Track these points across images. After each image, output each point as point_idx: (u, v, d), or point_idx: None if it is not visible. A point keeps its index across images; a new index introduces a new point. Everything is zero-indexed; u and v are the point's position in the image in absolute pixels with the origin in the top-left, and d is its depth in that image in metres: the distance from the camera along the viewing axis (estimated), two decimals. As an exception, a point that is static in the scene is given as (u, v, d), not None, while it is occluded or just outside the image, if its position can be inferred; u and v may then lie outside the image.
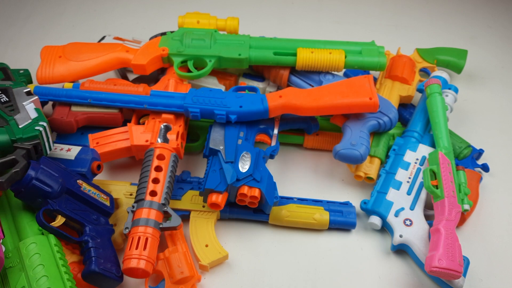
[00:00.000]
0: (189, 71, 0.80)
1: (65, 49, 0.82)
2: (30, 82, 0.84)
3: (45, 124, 0.66)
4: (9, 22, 1.05)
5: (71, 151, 0.70)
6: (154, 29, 0.85)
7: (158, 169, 0.66)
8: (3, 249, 0.56)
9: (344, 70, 0.84)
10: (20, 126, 0.65)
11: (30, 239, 0.58)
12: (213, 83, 0.84)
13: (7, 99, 0.70)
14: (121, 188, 0.72)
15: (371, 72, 0.87)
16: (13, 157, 0.60)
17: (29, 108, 0.69)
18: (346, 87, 0.73)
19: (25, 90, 0.72)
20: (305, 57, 0.79)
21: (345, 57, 0.80)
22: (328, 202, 0.73)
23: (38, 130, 0.65)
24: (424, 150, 0.76)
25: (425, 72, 0.94)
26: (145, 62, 0.79)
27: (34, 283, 0.54)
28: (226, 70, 0.87)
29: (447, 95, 0.83)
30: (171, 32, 0.84)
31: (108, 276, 0.59)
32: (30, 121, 0.66)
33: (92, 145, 0.72)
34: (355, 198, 0.75)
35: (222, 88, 0.83)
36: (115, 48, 0.82)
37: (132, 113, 0.77)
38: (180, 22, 0.86)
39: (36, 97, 0.72)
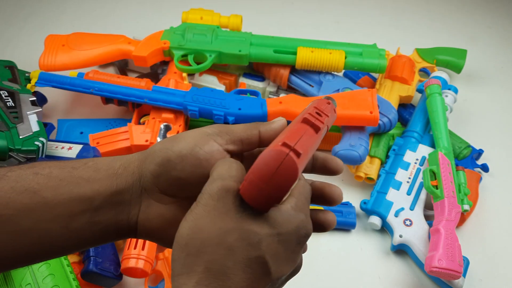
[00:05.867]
0: (190, 65, 0.80)
1: (68, 38, 0.83)
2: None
3: (44, 140, 0.66)
4: (9, 22, 1.05)
5: (72, 150, 0.70)
6: (154, 29, 0.85)
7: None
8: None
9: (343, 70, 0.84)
10: (20, 137, 0.65)
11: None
12: (213, 83, 0.84)
13: (13, 105, 0.69)
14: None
15: (370, 74, 0.87)
16: (5, 165, 0.60)
17: (32, 119, 0.69)
18: (348, 99, 0.73)
19: (30, 99, 0.72)
20: (305, 56, 0.79)
21: (345, 57, 0.80)
22: (328, 202, 0.73)
23: (37, 145, 0.65)
24: (424, 150, 0.76)
25: (424, 72, 0.94)
26: (146, 54, 0.80)
27: (40, 281, 0.55)
28: (227, 69, 0.87)
29: (446, 96, 0.83)
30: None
31: (106, 276, 0.59)
32: (31, 133, 0.66)
33: (92, 145, 0.72)
34: (355, 198, 0.75)
35: (223, 87, 0.83)
36: (118, 39, 0.83)
37: (132, 112, 0.78)
38: (184, 18, 0.87)
39: (40, 109, 0.72)
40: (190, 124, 0.80)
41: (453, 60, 0.93)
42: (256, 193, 0.29)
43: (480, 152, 0.81)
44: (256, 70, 0.87)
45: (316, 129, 0.34)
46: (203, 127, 0.37)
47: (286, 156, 0.28)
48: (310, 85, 0.81)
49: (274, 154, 0.28)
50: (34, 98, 0.74)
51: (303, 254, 0.36)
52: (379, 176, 0.75)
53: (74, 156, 0.69)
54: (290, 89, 0.85)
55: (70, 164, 0.36)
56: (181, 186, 0.35)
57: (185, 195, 0.36)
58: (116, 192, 0.35)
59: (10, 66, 0.81)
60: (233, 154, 0.37)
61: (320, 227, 0.37)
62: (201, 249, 0.29)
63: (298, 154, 0.29)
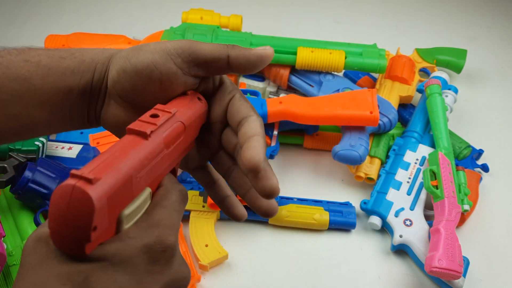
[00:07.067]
0: None
1: (69, 38, 0.83)
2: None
3: (44, 140, 0.66)
4: (9, 22, 1.05)
5: (72, 150, 0.70)
6: (154, 29, 0.85)
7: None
8: (5, 246, 0.56)
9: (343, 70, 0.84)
10: None
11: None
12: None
13: None
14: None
15: (370, 74, 0.87)
16: (5, 165, 0.60)
17: None
18: (348, 99, 0.74)
19: None
20: (305, 56, 0.79)
21: (345, 57, 0.80)
22: (328, 202, 0.73)
23: (37, 145, 0.65)
24: (424, 150, 0.76)
25: (424, 72, 0.94)
26: None
27: None
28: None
29: (446, 96, 0.83)
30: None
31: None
32: None
33: (92, 145, 0.72)
34: (355, 198, 0.75)
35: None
36: (118, 39, 0.83)
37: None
38: (184, 18, 0.87)
39: None
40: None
41: (453, 60, 0.93)
42: (60, 240, 0.25)
43: (480, 152, 0.81)
44: (256, 70, 0.87)
45: (142, 135, 0.29)
46: (168, 42, 0.35)
47: (72, 188, 0.24)
48: (310, 85, 0.81)
49: (60, 191, 0.24)
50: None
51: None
52: (379, 176, 0.75)
53: (74, 156, 0.69)
54: (290, 89, 0.85)
55: (58, 54, 0.37)
56: (134, 96, 0.36)
57: (139, 105, 0.36)
58: (92, 85, 0.37)
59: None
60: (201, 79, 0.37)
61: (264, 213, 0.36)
62: None
63: (89, 181, 0.24)
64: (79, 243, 0.25)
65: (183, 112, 0.34)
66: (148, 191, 0.30)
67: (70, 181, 0.24)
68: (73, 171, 0.24)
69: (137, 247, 0.27)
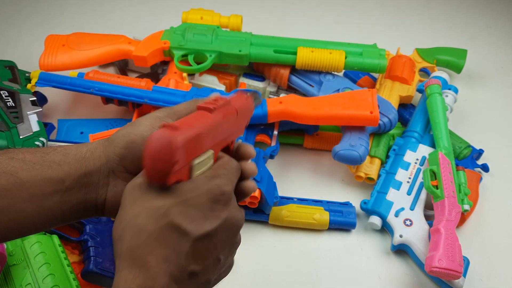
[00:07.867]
0: (190, 65, 0.80)
1: (69, 38, 0.83)
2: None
3: (44, 140, 0.66)
4: (9, 22, 1.05)
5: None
6: (154, 29, 0.85)
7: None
8: (5, 246, 0.56)
9: (343, 70, 0.84)
10: (21, 137, 0.65)
11: (34, 239, 0.59)
12: (213, 83, 0.84)
13: (13, 105, 0.70)
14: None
15: (370, 74, 0.87)
16: None
17: (32, 119, 0.69)
18: (348, 99, 0.73)
19: (31, 99, 0.73)
20: (305, 56, 0.79)
21: (346, 57, 0.80)
22: (328, 202, 0.73)
23: (37, 145, 0.65)
24: (424, 150, 0.76)
25: (425, 72, 0.94)
26: (146, 54, 0.80)
27: (40, 281, 0.55)
28: (227, 69, 0.87)
29: (447, 96, 0.83)
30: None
31: (106, 276, 0.60)
32: (31, 133, 0.66)
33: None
34: (355, 198, 0.75)
35: (223, 87, 0.83)
36: (118, 39, 0.83)
37: (133, 112, 0.78)
38: (184, 17, 0.87)
39: (40, 109, 0.72)
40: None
41: (453, 60, 0.93)
42: (151, 171, 0.33)
43: (480, 152, 0.81)
44: (256, 70, 0.87)
45: (208, 110, 0.39)
46: (155, 112, 0.42)
47: (162, 133, 0.33)
48: (310, 85, 0.81)
49: (154, 136, 0.33)
50: (34, 98, 0.74)
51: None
52: (379, 176, 0.75)
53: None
54: (290, 89, 0.85)
55: (41, 150, 0.40)
56: (140, 164, 0.39)
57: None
58: (85, 174, 0.40)
59: (10, 66, 0.81)
60: None
61: (242, 193, 0.43)
62: (121, 235, 0.34)
63: (173, 128, 0.33)
64: (164, 174, 0.33)
65: (236, 102, 0.44)
66: (211, 152, 0.39)
67: (160, 129, 0.33)
68: (163, 123, 0.34)
69: (203, 189, 0.36)
